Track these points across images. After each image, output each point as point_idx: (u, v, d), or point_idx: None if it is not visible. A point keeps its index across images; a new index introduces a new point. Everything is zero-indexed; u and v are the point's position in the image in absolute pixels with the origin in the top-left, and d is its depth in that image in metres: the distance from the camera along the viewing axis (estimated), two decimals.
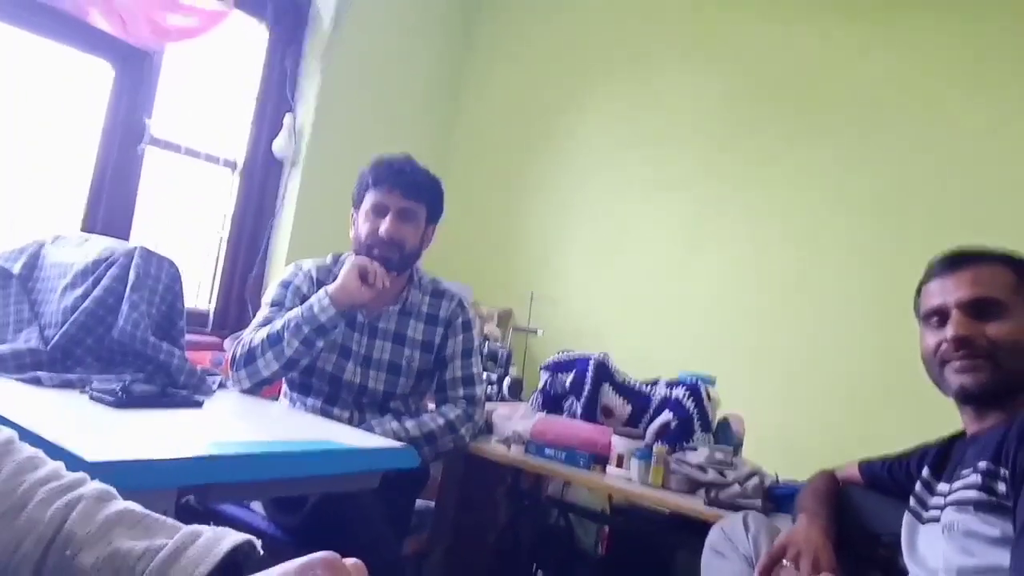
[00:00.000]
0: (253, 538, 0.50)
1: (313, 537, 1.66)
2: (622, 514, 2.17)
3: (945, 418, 1.40)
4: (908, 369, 1.67)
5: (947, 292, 1.33)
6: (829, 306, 2.78)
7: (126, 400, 1.39)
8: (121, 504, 0.54)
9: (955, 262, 1.35)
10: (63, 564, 0.49)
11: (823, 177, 2.86)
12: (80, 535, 0.49)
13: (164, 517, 0.53)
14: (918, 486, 1.35)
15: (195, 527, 0.50)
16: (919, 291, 1.42)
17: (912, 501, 1.34)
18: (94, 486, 0.55)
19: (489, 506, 2.13)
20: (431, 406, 2.02)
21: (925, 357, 1.37)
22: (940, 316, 1.33)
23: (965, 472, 1.20)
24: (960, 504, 1.17)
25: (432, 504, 2.17)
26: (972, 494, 1.15)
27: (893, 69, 2.76)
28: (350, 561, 0.47)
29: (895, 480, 1.46)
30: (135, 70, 2.56)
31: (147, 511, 0.53)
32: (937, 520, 1.22)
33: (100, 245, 1.75)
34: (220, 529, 0.50)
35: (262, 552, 0.50)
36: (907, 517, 1.33)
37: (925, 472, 1.35)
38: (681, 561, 2.11)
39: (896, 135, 2.74)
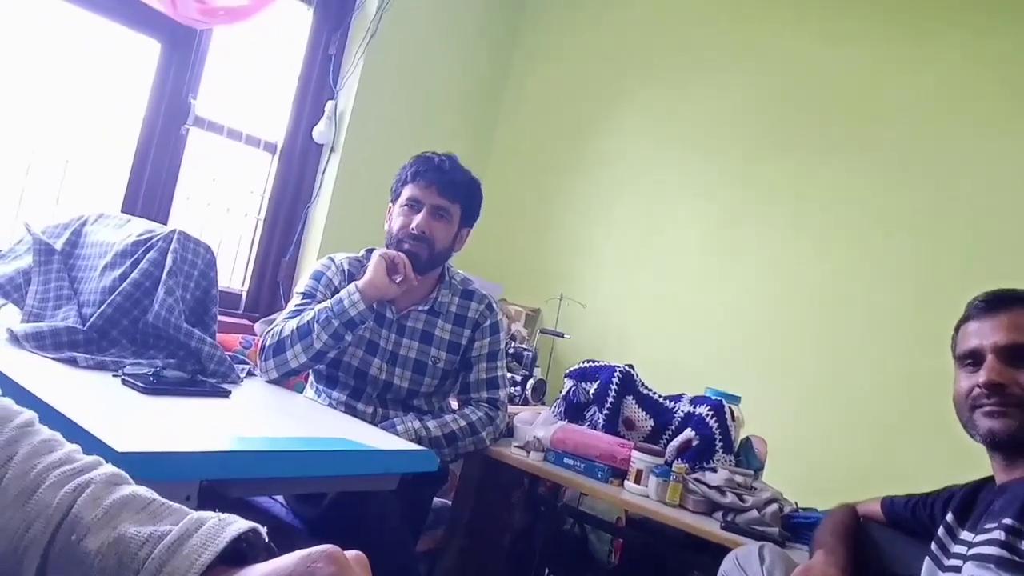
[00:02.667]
0: (258, 525, 0.49)
1: (330, 531, 1.68)
2: (637, 527, 2.16)
3: (970, 448, 1.38)
4: (935, 396, 1.65)
5: (984, 335, 1.30)
6: (857, 327, 2.74)
7: (156, 387, 1.42)
8: (129, 488, 0.53)
9: (994, 304, 1.33)
10: (69, 548, 0.48)
11: (859, 194, 2.81)
12: (86, 519, 0.49)
13: (171, 502, 0.52)
14: (941, 530, 1.33)
15: (201, 513, 0.50)
16: (957, 330, 1.40)
17: (934, 545, 1.32)
18: (105, 470, 0.54)
19: (505, 509, 2.14)
20: (455, 405, 2.03)
21: (956, 400, 1.35)
22: (975, 359, 1.31)
23: (990, 525, 1.18)
24: (982, 559, 1.15)
25: (449, 503, 2.19)
26: (994, 550, 1.13)
27: (939, 90, 2.71)
28: (351, 553, 0.47)
29: (918, 521, 1.44)
30: (182, 49, 2.58)
31: (155, 496, 0.53)
32: (958, 570, 1.20)
33: (140, 227, 1.78)
34: (226, 516, 0.49)
35: (267, 539, 0.49)
36: (927, 562, 1.31)
37: (949, 517, 1.33)
38: None
39: (938, 157, 2.68)
